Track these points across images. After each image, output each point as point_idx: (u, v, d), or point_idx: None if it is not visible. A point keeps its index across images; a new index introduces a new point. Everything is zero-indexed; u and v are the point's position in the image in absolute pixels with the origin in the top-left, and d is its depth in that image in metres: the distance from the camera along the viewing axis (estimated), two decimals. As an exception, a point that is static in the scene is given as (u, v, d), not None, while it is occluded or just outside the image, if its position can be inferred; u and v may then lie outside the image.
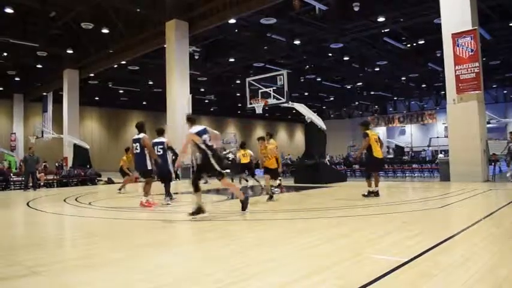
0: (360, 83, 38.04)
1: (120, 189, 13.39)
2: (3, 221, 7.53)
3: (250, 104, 16.70)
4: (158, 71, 24.97)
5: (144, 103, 42.98)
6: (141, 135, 8.66)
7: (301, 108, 16.30)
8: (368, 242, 4.72)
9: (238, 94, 38.22)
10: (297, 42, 24.42)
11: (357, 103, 49.60)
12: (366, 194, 9.36)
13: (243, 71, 30.07)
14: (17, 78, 33.07)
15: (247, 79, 17.30)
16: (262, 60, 28.28)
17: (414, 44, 25.37)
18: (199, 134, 7.13)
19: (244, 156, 14.14)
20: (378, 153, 9.32)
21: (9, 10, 20.46)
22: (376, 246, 4.49)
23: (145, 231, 6.14)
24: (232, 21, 20.32)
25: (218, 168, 6.90)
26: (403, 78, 36.44)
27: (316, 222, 6.45)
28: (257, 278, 3.35)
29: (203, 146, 6.97)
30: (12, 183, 18.65)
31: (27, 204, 10.47)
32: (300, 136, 57.54)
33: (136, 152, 8.61)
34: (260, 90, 16.29)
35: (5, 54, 26.38)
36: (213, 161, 6.87)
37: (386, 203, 8.47)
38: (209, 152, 6.95)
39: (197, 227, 6.43)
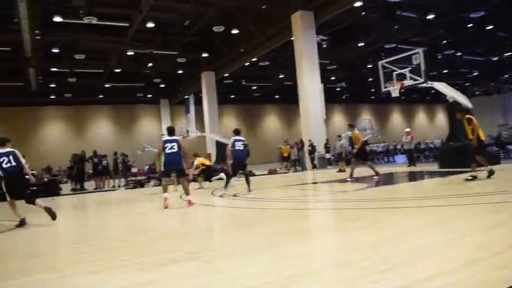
0: (509, 53, 34.08)
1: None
2: (162, 212, 8.32)
3: (385, 87, 15.99)
4: (288, 64, 25.31)
5: (276, 97, 44.03)
6: (176, 137, 9.41)
7: (441, 87, 15.12)
8: (535, 229, 4.18)
9: (370, 79, 37.06)
10: (430, 16, 22.78)
11: (506, 76, 44.50)
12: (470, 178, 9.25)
13: (373, 54, 29.04)
14: (162, 85, 36.47)
15: (380, 62, 16.60)
16: (393, 41, 27.00)
17: None
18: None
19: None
20: (483, 136, 9.61)
21: (150, 24, 22.56)
22: (545, 234, 3.95)
23: (290, 220, 6.25)
24: (358, 4, 19.70)
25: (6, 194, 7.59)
26: None
27: (470, 209, 5.91)
28: (407, 267, 3.18)
29: None
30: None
31: (180, 197, 11.41)
32: (441, 118, 53.76)
33: (172, 152, 9.04)
34: (394, 73, 15.49)
35: (150, 64, 29.17)
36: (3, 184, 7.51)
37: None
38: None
39: (340, 216, 6.37)
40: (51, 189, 17.72)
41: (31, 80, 29.19)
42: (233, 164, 10.90)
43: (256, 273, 3.36)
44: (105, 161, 20.17)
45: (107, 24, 21.92)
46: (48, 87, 33.16)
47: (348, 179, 12.20)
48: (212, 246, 4.91)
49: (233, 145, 10.79)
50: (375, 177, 12.19)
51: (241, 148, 10.80)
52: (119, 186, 19.96)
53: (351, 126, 13.23)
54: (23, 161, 7.78)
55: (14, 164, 7.48)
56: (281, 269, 3.42)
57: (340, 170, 18.28)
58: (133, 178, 20.61)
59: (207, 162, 16.27)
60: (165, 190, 9.10)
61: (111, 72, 30.55)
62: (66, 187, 20.22)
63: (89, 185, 20.62)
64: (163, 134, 9.46)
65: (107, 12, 20.71)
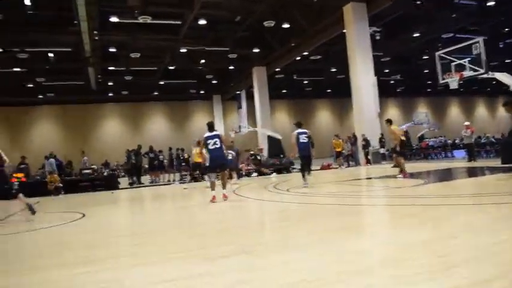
0: None
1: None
2: (214, 206, 8.45)
3: (443, 79, 15.43)
4: (340, 57, 24.91)
5: (328, 91, 43.48)
6: (218, 132, 9.57)
7: (504, 77, 14.37)
8: None
9: (426, 71, 35.81)
10: (490, 3, 21.66)
11: None
12: None
13: (430, 45, 28.01)
14: (214, 81, 36.98)
15: (437, 53, 16.03)
16: (450, 30, 25.90)
17: None
18: None
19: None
20: None
21: (202, 22, 22.91)
22: None
23: (343, 216, 6.16)
24: (414, -7, 19.06)
25: None
26: None
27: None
28: (464, 267, 3.04)
29: None
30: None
31: (233, 191, 11.55)
32: (503, 110, 51.02)
33: (216, 147, 9.15)
34: (453, 63, 14.91)
35: (203, 61, 29.65)
36: None
37: None
38: None
39: (395, 213, 6.20)
40: (110, 183, 18.47)
41: (90, 79, 30.45)
42: (299, 156, 11.26)
43: (309, 268, 3.34)
44: (161, 156, 20.76)
45: (160, 23, 22.47)
46: (106, 85, 34.50)
47: (399, 176, 11.82)
48: (264, 240, 4.93)
49: (297, 138, 11.04)
50: (400, 175, 11.83)
51: (305, 141, 11.08)
52: (174, 180, 20.49)
53: (388, 122, 12.55)
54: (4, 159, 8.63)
55: None
56: (333, 265, 3.38)
57: (395, 165, 17.85)
58: (188, 173, 21.05)
59: None
60: (213, 188, 9.22)
61: (165, 69, 31.32)
62: (123, 181, 20.99)
63: (145, 179, 21.29)
64: (216, 130, 9.60)
65: (160, 11, 21.20)
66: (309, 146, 11.27)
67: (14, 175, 18.47)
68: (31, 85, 31.95)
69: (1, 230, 7.53)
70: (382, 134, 21.26)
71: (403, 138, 12.47)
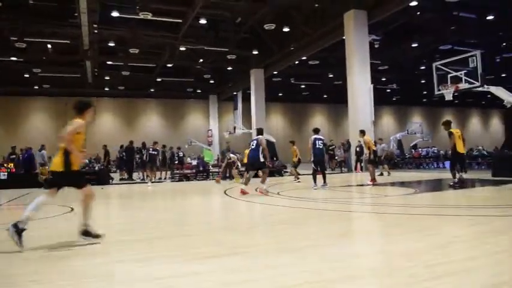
0: None
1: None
2: (206, 206, 8.47)
3: (439, 90, 15.52)
4: (338, 64, 24.98)
5: (324, 96, 43.60)
6: (260, 136, 10.87)
7: (499, 91, 14.48)
8: None
9: (423, 81, 36.01)
10: (490, 17, 21.82)
11: None
12: (451, 184, 10.71)
13: (427, 55, 28.17)
14: (211, 81, 36.97)
15: (434, 64, 16.12)
16: (449, 42, 26.06)
17: None
18: None
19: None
20: (460, 149, 10.92)
21: (203, 21, 22.94)
22: None
23: (333, 222, 6.19)
24: (413, 3, 19.15)
25: None
26: None
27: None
28: (454, 277, 3.08)
29: None
30: (211, 174, 20.91)
31: (225, 192, 11.57)
32: (497, 124, 51.40)
33: (251, 149, 10.69)
34: (449, 75, 15.00)
35: (201, 60, 29.65)
36: None
37: None
38: None
39: (385, 221, 6.24)
40: (102, 178, 18.38)
41: (87, 72, 30.32)
42: (313, 161, 11.90)
43: (297, 272, 3.36)
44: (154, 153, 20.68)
45: (161, 20, 22.46)
46: (103, 79, 34.40)
47: (369, 182, 12.75)
48: (255, 243, 4.94)
49: (314, 143, 11.75)
50: (369, 182, 12.83)
51: (320, 146, 11.85)
52: (165, 178, 20.44)
53: (362, 132, 14.03)
54: None
55: None
56: (322, 270, 3.40)
57: (382, 174, 18.07)
58: (179, 171, 21.05)
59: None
60: (245, 183, 10.78)
61: (163, 66, 31.27)
62: (115, 176, 20.91)
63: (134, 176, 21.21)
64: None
65: (161, 8, 21.19)
66: (323, 152, 12.35)
67: (5, 165, 18.40)
68: (27, 75, 31.79)
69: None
70: (375, 142, 21.38)
71: (374, 148, 13.72)
